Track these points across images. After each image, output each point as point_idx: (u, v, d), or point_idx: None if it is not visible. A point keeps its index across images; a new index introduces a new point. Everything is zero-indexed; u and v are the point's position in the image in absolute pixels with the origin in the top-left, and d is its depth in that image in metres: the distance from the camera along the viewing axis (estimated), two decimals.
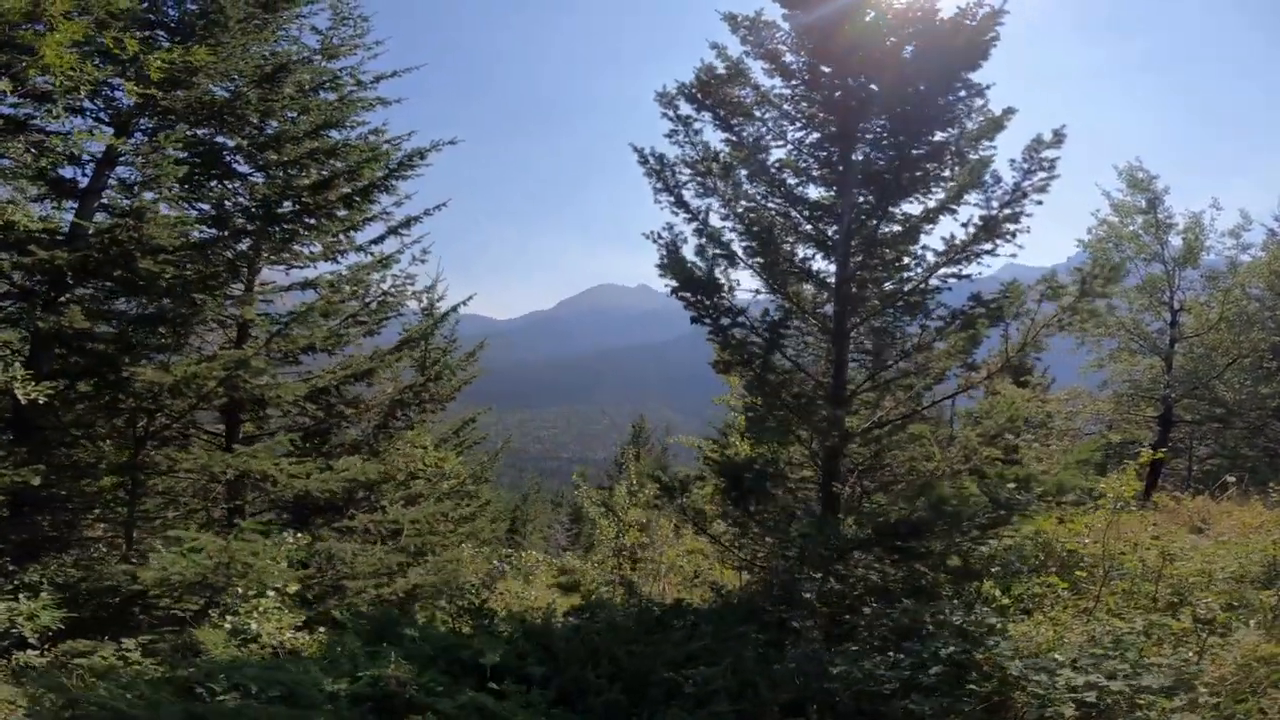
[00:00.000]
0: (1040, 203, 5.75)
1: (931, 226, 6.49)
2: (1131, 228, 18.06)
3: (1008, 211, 5.68)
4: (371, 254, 8.70)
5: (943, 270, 6.40)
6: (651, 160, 6.51)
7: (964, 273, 6.09)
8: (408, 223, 8.88)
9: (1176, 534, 9.34)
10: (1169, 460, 21.00)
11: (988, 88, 6.06)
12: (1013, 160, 5.94)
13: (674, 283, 5.65)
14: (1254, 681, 4.42)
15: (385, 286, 8.89)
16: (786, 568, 5.34)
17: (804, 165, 6.99)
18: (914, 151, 6.50)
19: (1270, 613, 5.33)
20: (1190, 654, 4.51)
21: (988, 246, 5.82)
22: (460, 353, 11.07)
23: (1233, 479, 12.77)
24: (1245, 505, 11.01)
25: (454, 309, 9.87)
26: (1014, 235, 5.75)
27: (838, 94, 6.61)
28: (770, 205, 7.01)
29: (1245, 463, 19.19)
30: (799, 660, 3.15)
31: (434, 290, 11.39)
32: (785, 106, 6.82)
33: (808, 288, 6.77)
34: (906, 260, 6.63)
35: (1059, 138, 5.69)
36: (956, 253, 6.16)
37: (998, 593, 5.50)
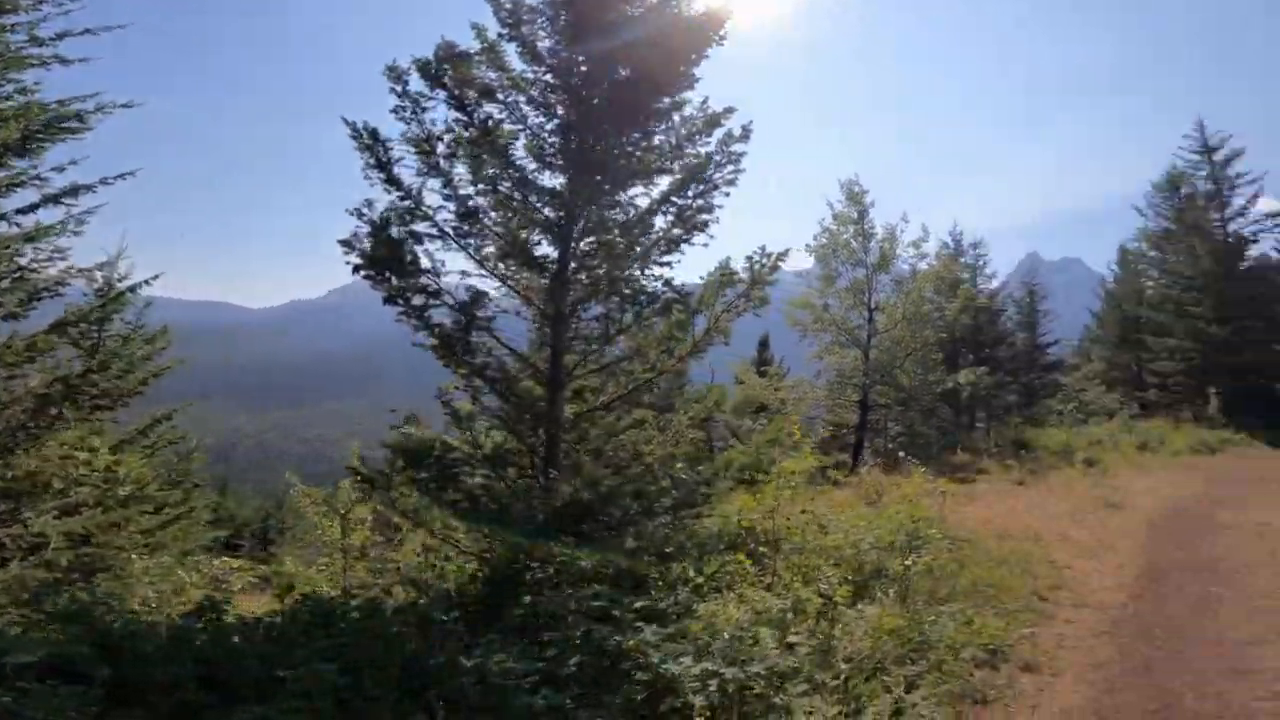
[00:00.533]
0: (728, 194, 6.35)
1: (653, 216, 6.92)
2: (845, 236, 21.22)
3: (700, 203, 6.19)
4: (18, 225, 7.30)
5: (662, 259, 6.83)
6: (364, 135, 6.09)
7: (672, 260, 6.48)
8: (74, 190, 7.65)
9: (853, 505, 11.19)
10: (874, 438, 25.22)
11: (699, 81, 6.58)
12: (710, 154, 6.53)
13: (356, 260, 5.26)
14: (883, 656, 4.90)
15: (24, 261, 7.31)
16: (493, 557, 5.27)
17: (541, 150, 7.03)
18: (637, 138, 6.88)
19: (901, 581, 6.32)
20: (827, 629, 4.91)
21: (684, 235, 6.29)
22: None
23: (903, 454, 15.57)
24: (909, 477, 13.51)
25: (133, 289, 8.34)
26: (705, 225, 6.28)
27: (576, 79, 6.76)
28: (502, 188, 6.93)
29: (921, 439, 23.74)
30: (435, 653, 3.06)
31: (113, 268, 9.51)
32: (532, 91, 6.83)
33: (527, 274, 6.79)
34: (625, 247, 6.95)
35: (746, 133, 6.32)
36: (666, 241, 6.57)
37: (692, 573, 5.97)
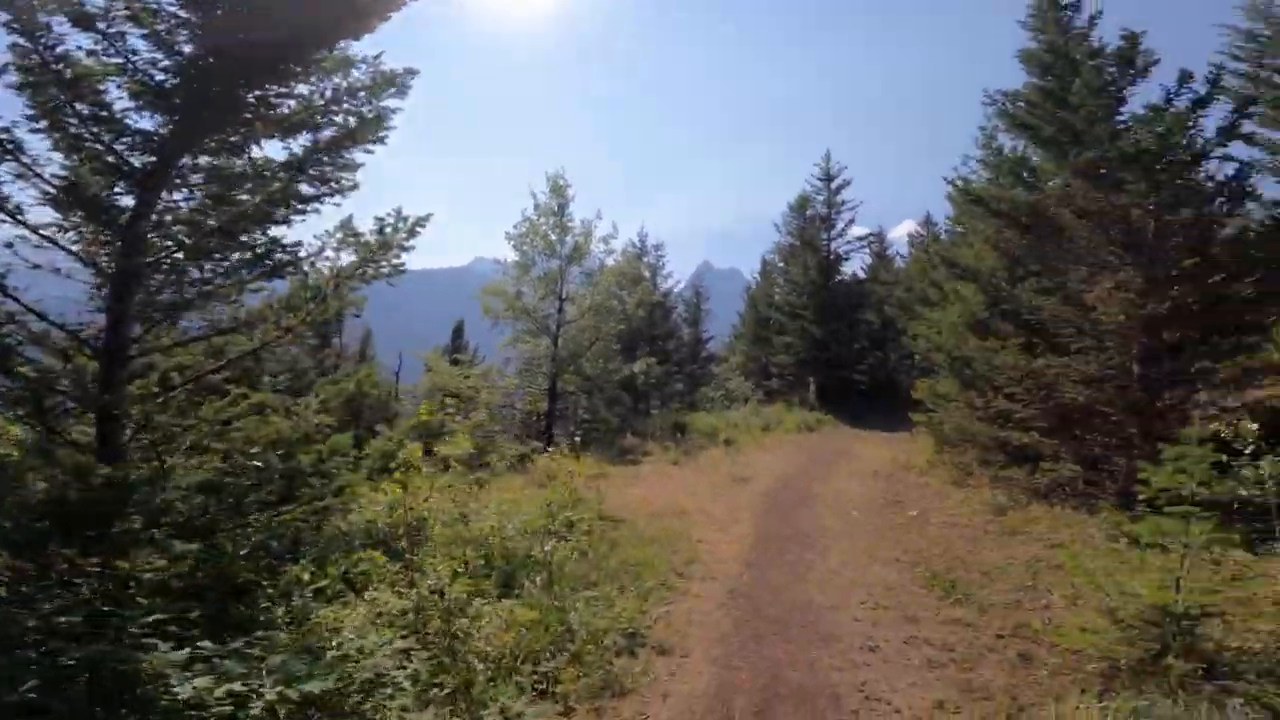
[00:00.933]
0: (372, 151, 5.52)
1: (282, 172, 5.69)
2: (544, 227, 21.39)
3: (342, 159, 5.25)
4: None
5: (287, 217, 5.65)
6: None
7: (295, 219, 5.38)
8: None
9: (523, 490, 11.20)
10: (566, 425, 26.03)
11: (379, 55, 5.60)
12: (360, 111, 5.61)
13: None
14: (522, 650, 4.74)
15: None
16: None
17: (144, 88, 5.27)
18: (279, 87, 5.57)
19: (547, 568, 6.27)
20: (445, 627, 4.52)
21: (317, 193, 5.29)
22: None
23: (579, 439, 16.17)
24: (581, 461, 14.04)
25: None
26: (344, 186, 5.37)
27: (211, 17, 5.18)
28: (69, 124, 5.07)
29: (603, 425, 25.29)
30: None
31: None
32: (157, 25, 5.04)
33: (92, 227, 5.04)
34: (242, 204, 5.62)
35: (402, 88, 5.53)
36: (289, 197, 5.44)
37: (307, 576, 5.09)
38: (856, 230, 25.27)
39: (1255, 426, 5.86)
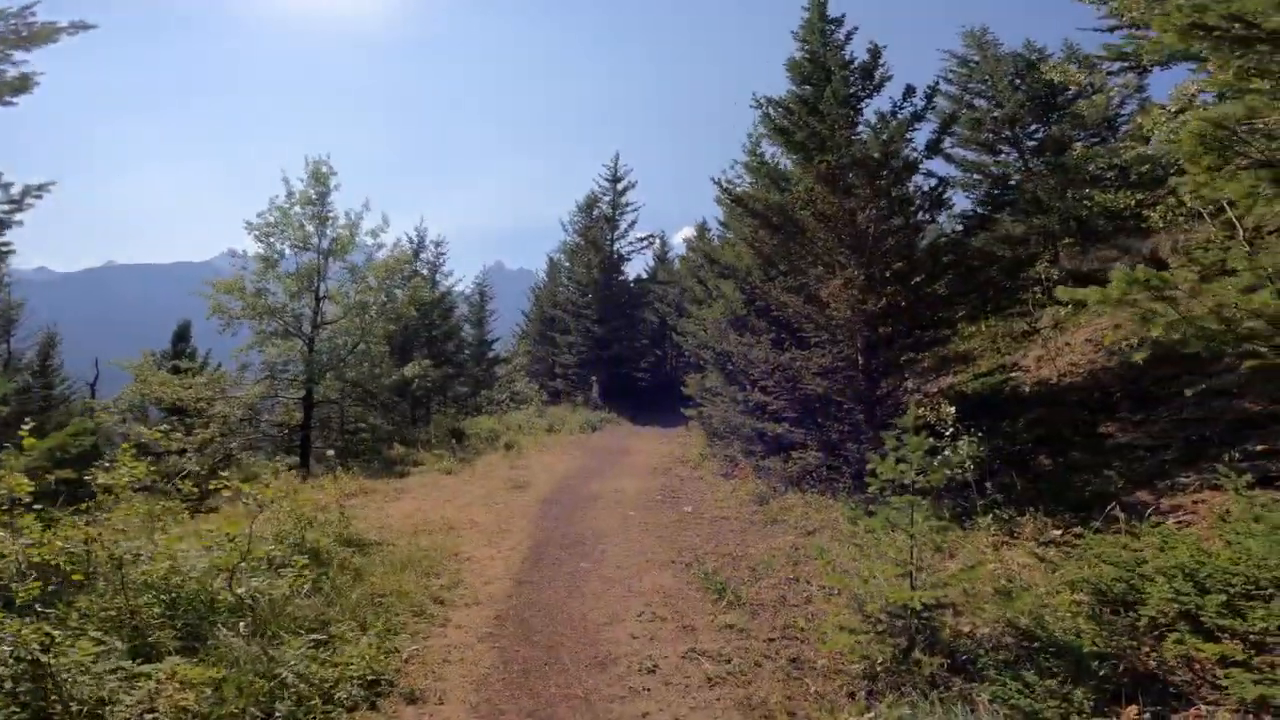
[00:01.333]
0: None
1: None
2: (298, 216, 18.68)
3: None
4: None
5: None
6: None
7: None
8: None
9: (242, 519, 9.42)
10: (330, 436, 23.09)
11: None
12: None
13: None
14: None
15: None
16: None
17: None
18: None
19: (247, 613, 5.03)
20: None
21: None
22: None
23: (333, 453, 14.36)
24: (333, 480, 12.38)
25: None
26: None
27: None
28: None
29: (373, 434, 22.98)
30: None
31: None
32: None
33: None
34: None
35: None
36: None
37: None
38: (639, 232, 26.08)
39: (952, 410, 6.73)
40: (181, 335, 25.56)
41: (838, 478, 9.82)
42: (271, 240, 18.70)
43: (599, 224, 26.43)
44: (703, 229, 36.75)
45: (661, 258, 32.58)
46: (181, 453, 18.35)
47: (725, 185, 12.76)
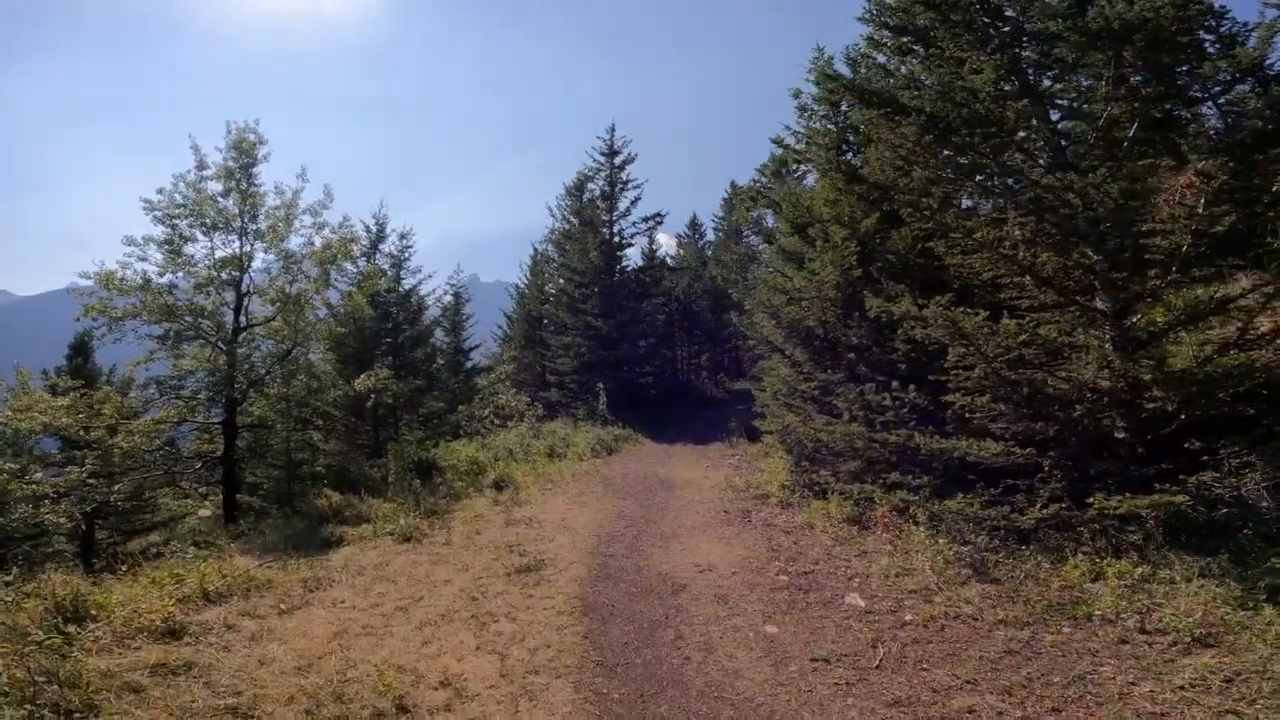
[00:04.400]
0: None
1: None
2: (211, 193, 13.39)
3: None
4: None
5: None
6: None
7: None
8: None
9: None
10: (267, 468, 17.61)
11: None
12: None
13: None
14: None
15: None
16: None
17: None
18: None
19: None
20: None
21: None
22: None
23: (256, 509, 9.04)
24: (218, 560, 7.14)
25: None
26: None
27: None
28: None
29: (314, 470, 17.54)
30: None
31: None
32: None
33: None
34: None
35: None
36: None
37: None
38: (641, 212, 21.05)
39: None
40: (80, 349, 19.73)
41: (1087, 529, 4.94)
42: (176, 223, 13.33)
43: (594, 204, 21.39)
44: (696, 227, 31.94)
45: (651, 255, 27.53)
46: (38, 502, 12.83)
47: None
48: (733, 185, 32.83)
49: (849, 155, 10.16)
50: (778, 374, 10.30)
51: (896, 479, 7.61)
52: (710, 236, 34.44)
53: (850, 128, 10.15)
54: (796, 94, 10.86)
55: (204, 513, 12.03)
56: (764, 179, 32.28)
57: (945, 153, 7.33)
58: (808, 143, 11.11)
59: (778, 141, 13.02)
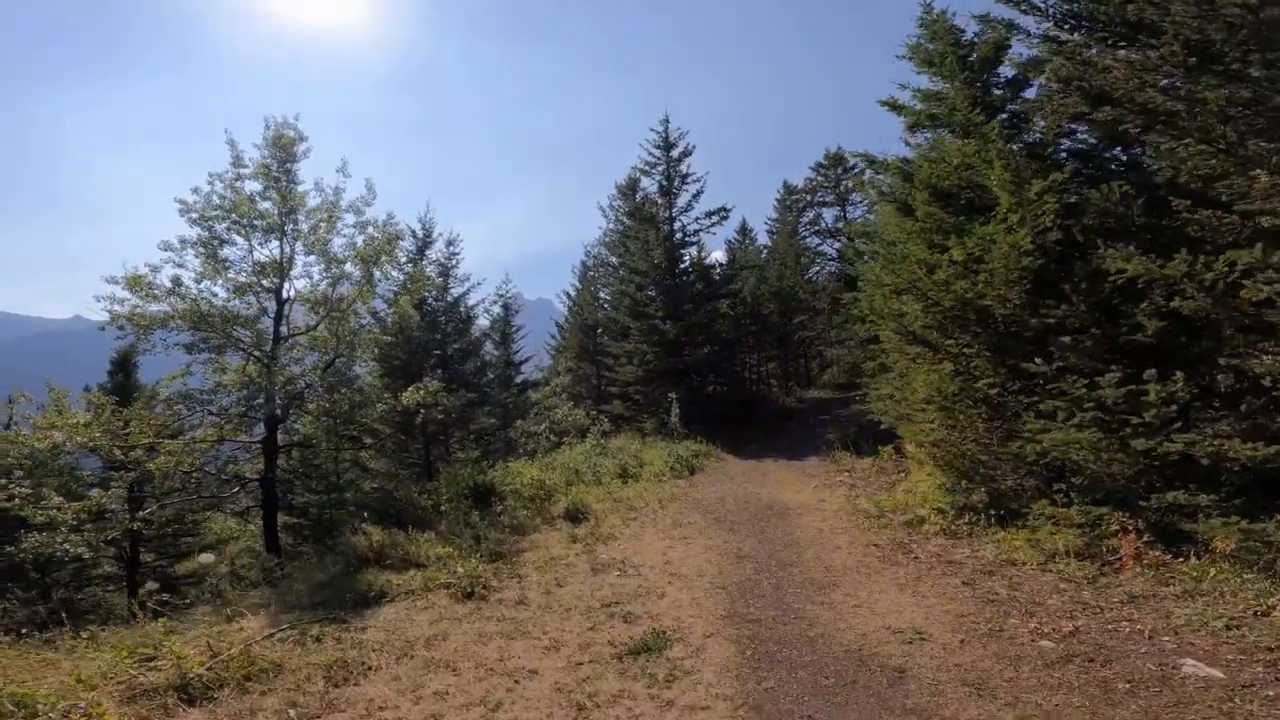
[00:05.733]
0: None
1: None
2: (250, 193, 12.04)
3: None
4: None
5: None
6: None
7: None
8: None
9: None
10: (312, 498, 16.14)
11: None
12: None
13: None
14: None
15: None
16: None
17: None
18: None
19: None
20: None
21: None
22: None
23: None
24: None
25: None
26: None
27: None
28: None
29: (367, 492, 15.94)
30: None
31: None
32: None
33: None
34: None
35: None
36: None
37: None
38: (704, 206, 18.95)
39: None
40: (121, 365, 18.72)
41: None
42: (213, 225, 11.91)
43: (651, 198, 19.42)
44: (746, 231, 29.74)
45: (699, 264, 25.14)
46: (48, 528, 11.43)
47: None
48: (785, 185, 30.62)
49: (1006, 108, 7.89)
50: (925, 373, 7.96)
51: (1167, 496, 5.23)
52: (764, 240, 32.21)
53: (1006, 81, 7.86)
54: (915, 49, 8.60)
55: (205, 558, 10.28)
56: (818, 176, 29.98)
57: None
58: (939, 101, 8.77)
59: (891, 104, 10.72)
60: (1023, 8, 5.93)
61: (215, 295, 12.00)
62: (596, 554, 6.97)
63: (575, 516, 8.71)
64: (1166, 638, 4.21)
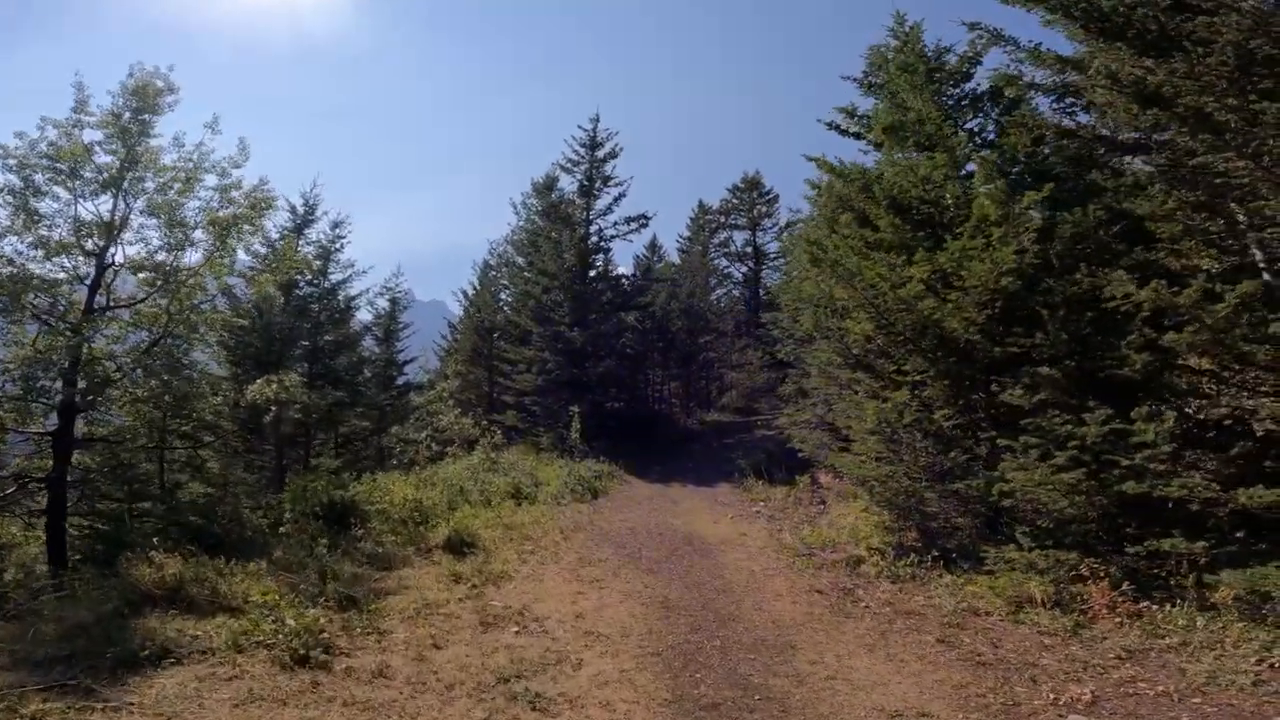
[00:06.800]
0: None
1: None
2: (95, 144, 9.50)
3: None
4: None
5: None
6: None
7: None
8: None
9: None
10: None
11: None
12: None
13: None
14: None
15: None
16: None
17: None
18: None
19: None
20: None
21: None
22: None
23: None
24: None
25: None
26: None
27: None
28: None
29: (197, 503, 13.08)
30: None
31: None
32: None
33: None
34: None
35: None
36: None
37: None
38: (624, 212, 17.76)
39: None
40: None
41: None
42: (31, 174, 9.36)
43: (569, 199, 18.06)
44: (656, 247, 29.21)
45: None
46: None
47: None
48: (700, 205, 30.48)
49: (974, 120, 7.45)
50: (873, 401, 7.16)
51: (1164, 543, 4.61)
52: (674, 257, 31.76)
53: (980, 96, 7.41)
54: (879, 63, 8.03)
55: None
56: (733, 198, 30.14)
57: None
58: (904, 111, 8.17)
59: (850, 115, 10.06)
60: (1053, 13, 5.30)
61: (19, 253, 9.39)
62: (487, 600, 5.42)
63: (459, 547, 7.06)
64: (1197, 699, 3.61)
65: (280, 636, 4.46)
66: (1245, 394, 4.77)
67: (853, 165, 7.76)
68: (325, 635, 4.59)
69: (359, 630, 4.76)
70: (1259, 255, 5.16)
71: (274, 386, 10.92)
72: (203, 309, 10.92)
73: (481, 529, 7.94)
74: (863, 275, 6.78)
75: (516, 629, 4.78)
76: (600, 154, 17.06)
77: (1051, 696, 3.69)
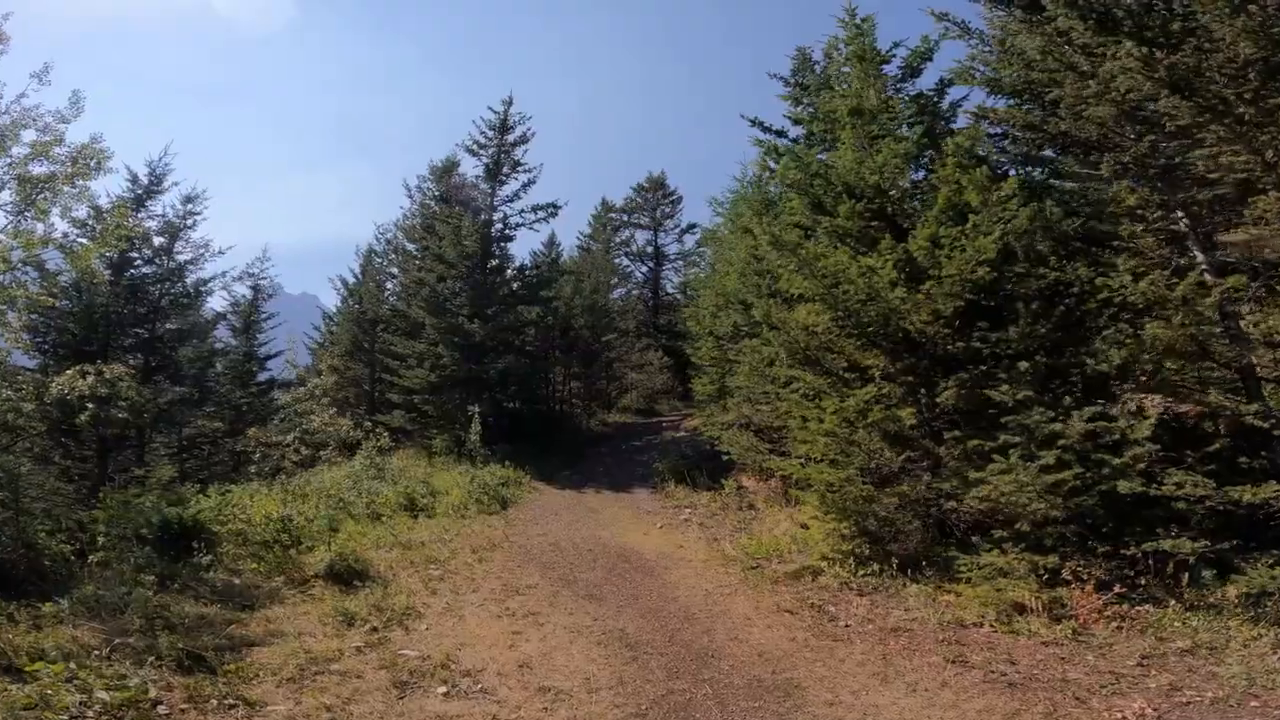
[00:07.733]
0: None
1: None
2: None
3: None
4: None
5: None
6: None
7: None
8: None
9: None
10: None
11: None
12: None
13: None
14: None
15: None
16: None
17: None
18: None
19: None
20: None
21: None
22: None
23: None
24: None
25: None
26: None
27: None
28: None
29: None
30: None
31: None
32: None
33: None
34: None
35: None
36: None
37: None
38: (531, 200, 16.24)
39: None
40: None
41: None
42: None
43: (471, 182, 16.48)
44: (552, 244, 28.18)
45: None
46: None
47: None
48: (603, 202, 29.73)
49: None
50: (835, 400, 6.60)
51: (1166, 544, 4.34)
52: (572, 254, 30.68)
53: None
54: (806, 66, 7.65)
55: None
56: (637, 197, 29.74)
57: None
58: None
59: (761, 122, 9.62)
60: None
61: None
62: (395, 649, 4.15)
63: (346, 576, 5.63)
64: (1254, 703, 3.33)
65: (89, 715, 3.04)
66: (1216, 391, 4.68)
67: (800, 147, 7.25)
68: (162, 712, 3.20)
69: (215, 703, 3.37)
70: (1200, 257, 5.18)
71: (89, 379, 8.65)
72: (1, 283, 8.43)
73: (372, 551, 6.52)
74: (822, 261, 6.23)
75: (445, 689, 3.61)
76: (511, 138, 15.70)
77: (1107, 715, 3.22)
